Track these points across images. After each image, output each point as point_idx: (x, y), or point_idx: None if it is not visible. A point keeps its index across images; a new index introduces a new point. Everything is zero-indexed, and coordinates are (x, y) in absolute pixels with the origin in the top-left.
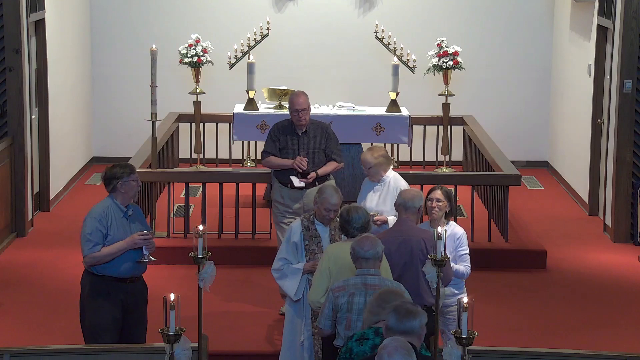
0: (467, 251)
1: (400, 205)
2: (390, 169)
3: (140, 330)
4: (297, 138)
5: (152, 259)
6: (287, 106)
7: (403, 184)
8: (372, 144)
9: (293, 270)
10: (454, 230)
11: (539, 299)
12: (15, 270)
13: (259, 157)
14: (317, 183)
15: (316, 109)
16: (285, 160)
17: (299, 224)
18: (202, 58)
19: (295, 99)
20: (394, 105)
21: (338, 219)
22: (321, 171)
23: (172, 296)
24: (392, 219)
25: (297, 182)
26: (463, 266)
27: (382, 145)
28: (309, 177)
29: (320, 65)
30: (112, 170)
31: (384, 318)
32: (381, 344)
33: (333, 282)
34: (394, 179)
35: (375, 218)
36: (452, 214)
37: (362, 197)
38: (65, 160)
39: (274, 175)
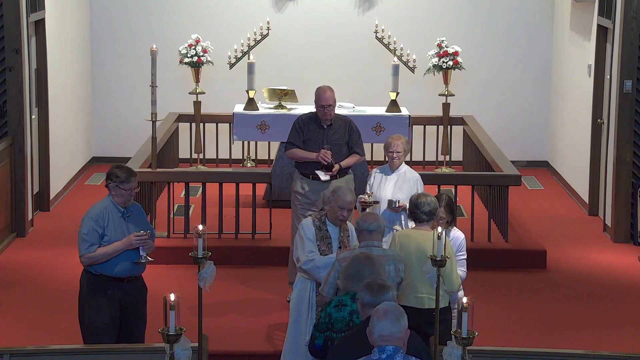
0: (465, 256)
1: None
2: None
3: (140, 330)
4: (323, 130)
5: (150, 259)
6: (288, 106)
7: (417, 174)
8: (372, 144)
9: (325, 262)
10: (455, 235)
11: (539, 299)
12: (15, 270)
13: (259, 157)
14: (338, 176)
15: None
16: (310, 153)
17: (310, 222)
18: (202, 58)
19: (322, 94)
20: (394, 105)
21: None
22: (344, 163)
23: (172, 296)
24: None
25: (323, 175)
26: (462, 271)
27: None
28: (333, 169)
29: (320, 65)
30: (113, 170)
31: (357, 285)
32: (375, 309)
33: None
34: (408, 169)
35: (399, 204)
36: (454, 222)
37: (375, 186)
38: (65, 160)
39: (295, 167)
